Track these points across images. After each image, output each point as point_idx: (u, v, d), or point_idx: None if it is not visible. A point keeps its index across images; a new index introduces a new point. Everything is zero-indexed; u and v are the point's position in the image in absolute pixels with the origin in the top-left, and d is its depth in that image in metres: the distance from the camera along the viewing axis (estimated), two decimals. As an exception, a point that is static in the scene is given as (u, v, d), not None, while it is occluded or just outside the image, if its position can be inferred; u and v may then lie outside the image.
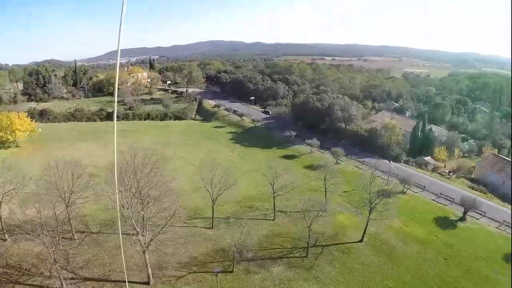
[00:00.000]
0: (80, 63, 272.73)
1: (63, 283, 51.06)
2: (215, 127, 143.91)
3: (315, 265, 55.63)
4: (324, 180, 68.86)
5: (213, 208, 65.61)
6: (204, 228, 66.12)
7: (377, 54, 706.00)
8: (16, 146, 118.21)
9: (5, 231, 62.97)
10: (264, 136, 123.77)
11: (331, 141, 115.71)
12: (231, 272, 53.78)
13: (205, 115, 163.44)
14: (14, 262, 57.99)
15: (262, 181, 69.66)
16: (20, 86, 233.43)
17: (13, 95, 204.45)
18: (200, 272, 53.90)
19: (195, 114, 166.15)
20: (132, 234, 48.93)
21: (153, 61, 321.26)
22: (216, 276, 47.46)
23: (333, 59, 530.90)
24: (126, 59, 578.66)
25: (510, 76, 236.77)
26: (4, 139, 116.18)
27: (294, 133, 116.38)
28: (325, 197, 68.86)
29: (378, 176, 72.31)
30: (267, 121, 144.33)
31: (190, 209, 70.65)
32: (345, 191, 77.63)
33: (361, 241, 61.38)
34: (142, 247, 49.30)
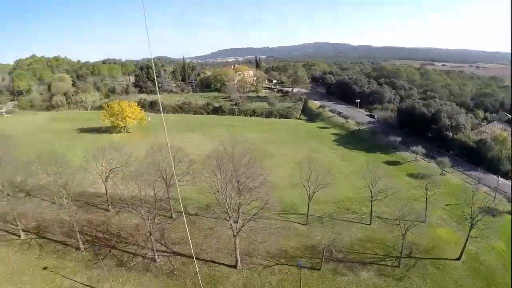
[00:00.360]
0: (188, 60, 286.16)
1: (156, 254, 56.76)
2: (319, 127, 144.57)
3: (405, 277, 53.97)
4: (426, 189, 66.00)
5: (308, 204, 66.37)
6: (298, 223, 67.31)
7: (491, 61, 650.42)
8: (126, 132, 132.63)
9: (109, 203, 71.97)
10: (368, 140, 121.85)
11: (437, 150, 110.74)
12: (319, 270, 54.42)
13: (310, 115, 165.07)
14: (114, 230, 66.06)
15: (361, 184, 68.48)
16: (132, 79, 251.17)
17: (125, 87, 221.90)
18: (287, 265, 55.29)
19: (300, 114, 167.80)
20: (225, 219, 51.84)
21: (259, 60, 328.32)
22: (299, 269, 48.55)
23: (443, 65, 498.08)
24: (234, 58, 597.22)
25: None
26: (116, 124, 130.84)
27: (399, 139, 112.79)
28: (426, 208, 66.01)
29: (484, 192, 68.23)
30: (372, 125, 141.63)
31: (286, 203, 72.93)
32: (448, 204, 73.90)
33: (458, 259, 57.98)
34: (233, 232, 52.13)
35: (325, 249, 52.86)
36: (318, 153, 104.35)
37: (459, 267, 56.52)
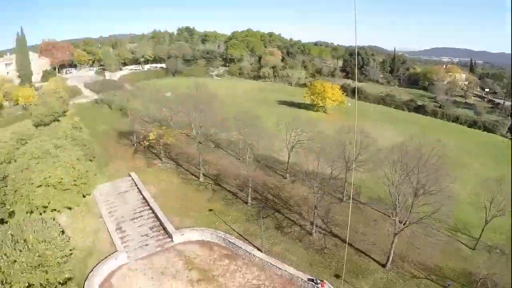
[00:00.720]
0: (400, 53, 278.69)
1: (314, 228, 59.66)
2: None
3: None
4: None
5: (483, 228, 60.75)
6: (465, 245, 62.24)
7: None
8: (324, 112, 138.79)
9: (288, 171, 77.83)
10: None
11: None
12: (465, 299, 50.59)
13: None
14: (284, 196, 71.37)
15: None
16: (340, 63, 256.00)
17: (332, 70, 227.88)
18: (436, 283, 52.13)
19: (507, 131, 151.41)
20: (391, 215, 51.85)
21: (475, 64, 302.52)
22: None
23: None
24: (449, 58, 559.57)
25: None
26: (315, 102, 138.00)
27: None
28: None
29: None
30: None
31: (459, 220, 68.01)
32: None
33: None
34: (395, 230, 51.59)
35: (481, 280, 48.55)
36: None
37: None
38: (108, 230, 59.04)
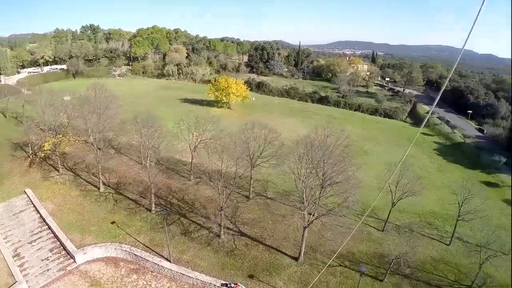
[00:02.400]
0: (305, 47, 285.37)
1: (222, 230, 56.85)
2: (422, 133, 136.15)
3: (469, 310, 48.63)
4: (520, 220, 58.83)
5: (390, 211, 62.45)
6: (374, 228, 63.56)
7: None
8: (228, 108, 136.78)
9: (191, 173, 74.18)
10: (471, 155, 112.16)
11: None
12: (381, 281, 50.67)
13: (416, 119, 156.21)
14: (189, 199, 67.75)
15: (451, 201, 62.87)
16: (245, 59, 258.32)
17: (237, 65, 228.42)
18: (350, 269, 52.21)
19: (406, 117, 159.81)
20: (299, 209, 50.35)
21: (376, 55, 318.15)
22: (360, 275, 45.17)
23: None
24: (351, 50, 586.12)
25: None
26: (219, 99, 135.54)
27: (503, 160, 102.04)
28: (512, 239, 58.88)
29: None
30: (479, 140, 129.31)
31: (367, 205, 68.80)
32: (543, 242, 65.43)
33: None
34: (304, 223, 50.39)
35: (394, 260, 48.87)
36: (414, 159, 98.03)
37: (531, 315, 49.78)
38: (4, 259, 52.33)
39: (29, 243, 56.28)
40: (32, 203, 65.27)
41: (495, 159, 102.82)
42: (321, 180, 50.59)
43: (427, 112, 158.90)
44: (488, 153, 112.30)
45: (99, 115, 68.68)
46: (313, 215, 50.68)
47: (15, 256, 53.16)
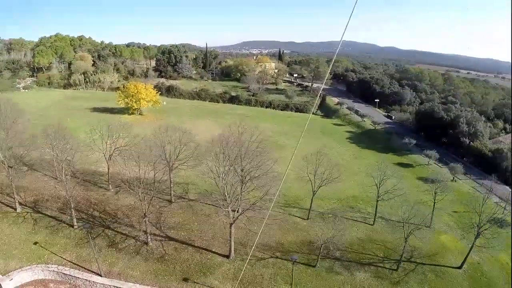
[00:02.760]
0: (212, 49, 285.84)
1: (148, 237, 56.24)
2: (334, 124, 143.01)
3: (403, 281, 51.83)
4: (435, 193, 63.49)
5: (312, 199, 65.22)
6: (299, 218, 65.93)
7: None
8: (139, 114, 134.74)
9: (110, 182, 72.50)
10: (382, 140, 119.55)
11: (452, 156, 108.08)
12: (314, 266, 52.86)
13: (327, 112, 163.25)
14: (111, 210, 66.01)
15: (369, 183, 66.65)
16: (153, 63, 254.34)
17: (145, 70, 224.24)
18: (281, 259, 53.90)
19: (317, 109, 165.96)
20: (223, 206, 50.40)
21: (283, 53, 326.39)
22: (293, 264, 46.66)
23: (468, 73, 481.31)
24: (258, 50, 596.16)
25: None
26: (129, 105, 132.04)
27: (413, 142, 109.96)
28: (432, 212, 63.59)
29: (495, 202, 64.99)
30: (388, 126, 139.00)
31: (289, 196, 72.34)
32: (456, 211, 71.32)
33: (459, 267, 55.28)
34: (230, 220, 51.14)
35: (322, 245, 51.10)
36: (330, 149, 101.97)
37: (459, 276, 53.98)
38: None
39: None
40: None
41: (405, 142, 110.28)
42: (240, 176, 51.56)
43: (337, 104, 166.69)
44: (398, 137, 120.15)
45: (6, 131, 64.67)
46: (237, 211, 51.54)
47: None
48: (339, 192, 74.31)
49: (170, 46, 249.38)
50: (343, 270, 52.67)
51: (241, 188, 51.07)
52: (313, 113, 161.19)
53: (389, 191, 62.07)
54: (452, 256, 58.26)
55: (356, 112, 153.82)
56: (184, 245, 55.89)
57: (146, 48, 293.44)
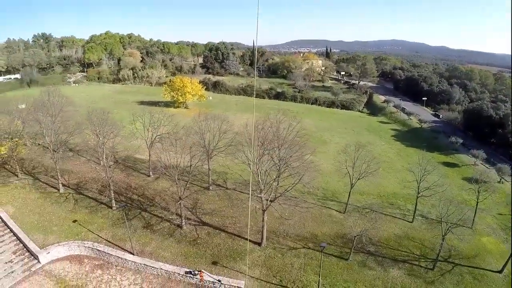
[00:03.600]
0: (260, 47, 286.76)
1: (183, 221, 57.08)
2: (380, 121, 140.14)
3: (438, 281, 49.68)
4: (478, 193, 60.90)
5: (350, 192, 63.96)
6: (336, 211, 64.87)
7: None
8: (185, 107, 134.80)
9: (150, 169, 74.19)
10: (428, 139, 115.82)
11: (500, 157, 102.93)
12: (346, 260, 51.81)
13: (373, 109, 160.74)
14: (149, 194, 67.78)
15: (411, 181, 64.59)
16: (201, 60, 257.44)
17: (193, 66, 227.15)
18: (314, 250, 53.16)
19: (363, 107, 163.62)
20: (255, 192, 50.54)
21: (330, 50, 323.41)
22: (321, 251, 45.28)
23: None
24: (307, 49, 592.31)
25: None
26: (175, 99, 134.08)
27: (460, 141, 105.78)
28: (475, 213, 61.10)
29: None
30: (435, 124, 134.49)
31: (328, 190, 72.01)
32: (500, 214, 67.84)
33: (500, 272, 52.21)
34: (263, 206, 51.02)
35: (356, 238, 49.90)
36: (374, 146, 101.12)
37: (498, 281, 51.02)
38: None
39: None
40: None
41: (452, 141, 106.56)
42: (277, 165, 51.46)
43: (384, 102, 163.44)
44: (445, 136, 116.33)
45: (53, 117, 68.14)
46: (270, 199, 51.19)
47: (-22, 262, 51.70)
48: (380, 188, 73.35)
49: (218, 43, 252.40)
50: (376, 265, 51.23)
51: (276, 176, 51.20)
52: (359, 111, 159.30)
53: (429, 187, 59.87)
54: (493, 259, 55.11)
55: (403, 110, 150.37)
56: (217, 231, 56.40)
57: (193, 45, 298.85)
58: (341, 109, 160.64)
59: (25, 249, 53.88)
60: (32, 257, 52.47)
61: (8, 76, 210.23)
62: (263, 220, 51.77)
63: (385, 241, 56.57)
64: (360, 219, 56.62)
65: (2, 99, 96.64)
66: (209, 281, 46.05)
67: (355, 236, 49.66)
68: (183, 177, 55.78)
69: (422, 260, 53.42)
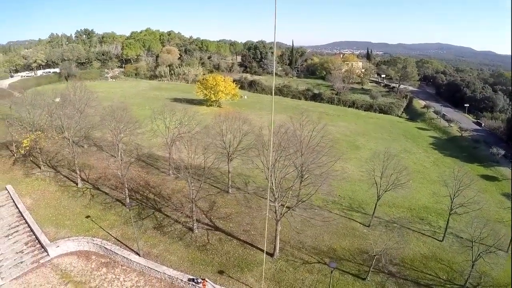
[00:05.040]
0: (299, 47, 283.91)
1: (195, 224, 55.80)
2: (418, 128, 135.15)
3: (461, 312, 45.61)
4: (516, 213, 56.15)
5: (376, 204, 59.71)
6: (360, 223, 60.93)
7: None
8: (218, 106, 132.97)
9: (170, 168, 73.49)
10: (467, 148, 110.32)
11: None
12: (364, 279, 47.99)
13: (412, 114, 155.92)
14: (166, 194, 66.81)
15: (445, 194, 58.74)
16: (239, 59, 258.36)
17: (230, 65, 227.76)
18: (329, 266, 49.37)
19: (402, 112, 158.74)
20: (268, 199, 48.29)
21: (371, 52, 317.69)
22: (331, 272, 42.52)
23: None
24: (350, 50, 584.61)
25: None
26: (208, 97, 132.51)
27: (502, 152, 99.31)
28: (512, 235, 56.31)
29: None
30: (476, 133, 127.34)
31: (355, 200, 68.31)
32: (544, 237, 62.67)
33: None
34: (276, 216, 48.41)
35: (376, 257, 46.18)
36: (409, 154, 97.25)
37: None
38: None
39: (5, 236, 56.22)
40: (12, 199, 65.18)
41: (493, 152, 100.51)
42: (298, 172, 49.46)
43: (424, 107, 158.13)
44: (486, 146, 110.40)
45: (79, 112, 69.98)
46: (285, 207, 48.46)
47: (-10, 249, 53.40)
48: (411, 200, 68.87)
49: (257, 42, 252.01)
50: (396, 288, 47.67)
51: (293, 183, 49.19)
52: (397, 115, 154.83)
53: (464, 204, 54.45)
54: (529, 291, 50.28)
55: (443, 116, 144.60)
56: (229, 237, 54.38)
57: (232, 43, 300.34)
58: (379, 113, 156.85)
59: (36, 241, 54.98)
60: (42, 249, 53.33)
61: (47, 70, 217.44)
62: (276, 230, 49.39)
63: (409, 261, 52.17)
64: (386, 235, 53.74)
65: (39, 92, 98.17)
66: (211, 291, 44.40)
67: (374, 255, 46.02)
68: (197, 178, 54.76)
69: (448, 286, 48.90)
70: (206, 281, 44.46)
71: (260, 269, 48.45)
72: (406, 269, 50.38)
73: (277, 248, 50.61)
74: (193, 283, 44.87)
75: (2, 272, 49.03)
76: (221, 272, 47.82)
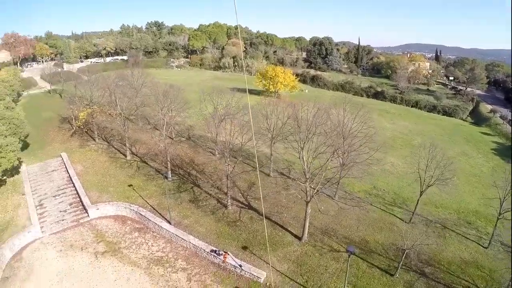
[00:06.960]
0: (366, 45, 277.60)
1: (229, 201, 57.29)
2: (482, 132, 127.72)
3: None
4: None
5: (418, 199, 57.00)
6: (400, 219, 58.51)
7: None
8: (276, 97, 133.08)
9: (216, 148, 73.67)
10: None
11: None
12: (392, 275, 45.92)
13: (477, 119, 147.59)
14: (208, 172, 70.88)
15: (496, 199, 53.88)
16: (305, 54, 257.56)
17: (295, 59, 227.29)
18: (358, 256, 48.37)
19: (467, 115, 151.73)
20: (298, 179, 48.71)
21: (440, 53, 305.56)
22: (348, 256, 39.02)
23: None
24: (422, 54, 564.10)
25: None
26: (267, 87, 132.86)
27: None
28: None
29: None
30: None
31: (400, 196, 66.26)
32: None
33: None
34: (306, 197, 47.90)
35: (406, 252, 43.90)
36: (467, 157, 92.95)
37: None
38: (28, 207, 57.35)
39: (53, 196, 61.60)
40: (64, 165, 71.06)
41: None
42: (340, 159, 50.11)
43: (490, 111, 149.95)
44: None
45: (135, 91, 76.34)
46: (315, 189, 47.54)
47: (38, 206, 58.47)
48: (461, 203, 65.34)
49: (322, 38, 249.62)
50: (424, 289, 45.38)
51: (324, 164, 47.16)
52: (462, 119, 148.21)
53: None
54: None
55: (510, 122, 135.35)
56: (261, 217, 54.33)
57: (298, 39, 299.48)
58: (443, 115, 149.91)
59: (80, 203, 59.54)
60: (84, 210, 57.65)
61: (116, 57, 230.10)
62: (306, 213, 48.91)
63: (446, 264, 49.05)
64: (425, 232, 51.77)
65: (104, 76, 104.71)
66: (230, 264, 45.01)
67: (404, 251, 43.84)
68: (235, 156, 56.47)
69: (484, 296, 46.29)
70: (228, 253, 45.26)
71: (285, 250, 48.65)
72: (441, 272, 47.26)
73: (306, 231, 50.08)
74: (215, 254, 45.88)
75: (44, 226, 53.53)
76: (244, 248, 48.48)
